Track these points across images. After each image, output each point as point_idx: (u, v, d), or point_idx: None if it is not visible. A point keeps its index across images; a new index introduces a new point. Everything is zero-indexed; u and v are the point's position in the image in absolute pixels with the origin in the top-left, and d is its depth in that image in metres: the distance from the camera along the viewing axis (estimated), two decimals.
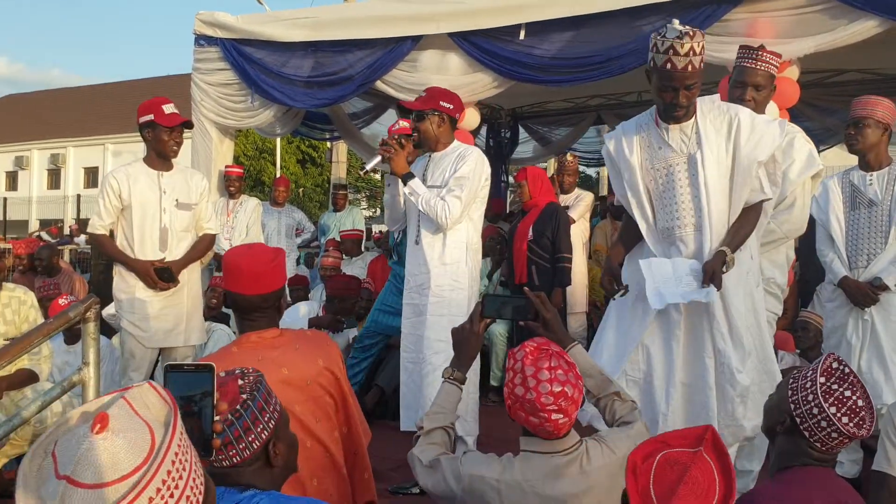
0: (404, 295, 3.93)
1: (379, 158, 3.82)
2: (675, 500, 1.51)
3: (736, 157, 2.85)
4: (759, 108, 3.35)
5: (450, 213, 3.69)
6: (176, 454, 1.11)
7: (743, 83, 3.39)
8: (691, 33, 2.66)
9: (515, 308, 2.39)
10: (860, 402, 2.01)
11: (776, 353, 4.76)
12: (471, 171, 3.74)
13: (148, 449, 1.08)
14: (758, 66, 3.36)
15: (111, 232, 4.19)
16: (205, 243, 4.27)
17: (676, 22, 2.70)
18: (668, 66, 2.68)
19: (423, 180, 3.83)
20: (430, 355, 3.71)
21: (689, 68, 2.68)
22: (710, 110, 2.89)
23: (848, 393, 2.01)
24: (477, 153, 3.84)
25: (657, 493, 1.54)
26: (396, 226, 4.11)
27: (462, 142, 5.93)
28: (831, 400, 2.00)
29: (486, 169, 3.87)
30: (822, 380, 2.05)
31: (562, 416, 1.93)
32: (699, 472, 1.52)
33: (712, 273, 2.77)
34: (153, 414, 1.14)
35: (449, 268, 3.76)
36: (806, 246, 4.77)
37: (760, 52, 3.35)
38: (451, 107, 3.85)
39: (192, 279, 4.23)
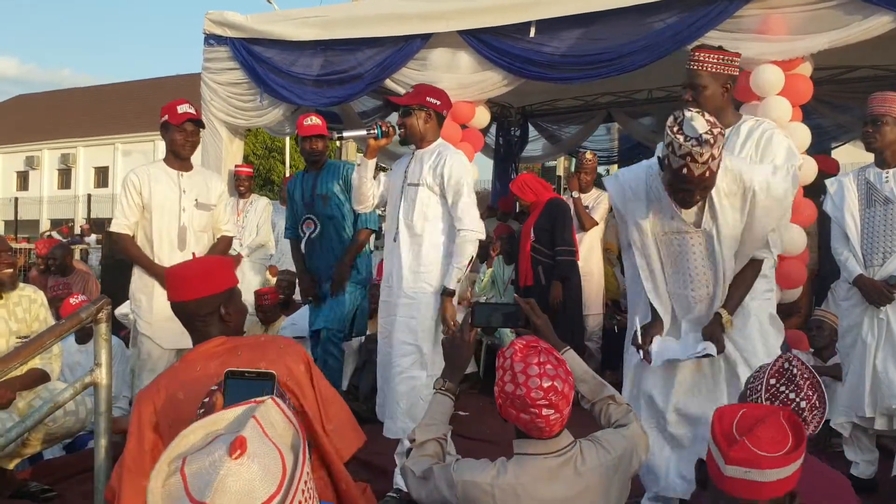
0: (381, 291, 3.88)
1: (363, 133, 3.72)
2: (756, 431, 1.58)
3: (749, 226, 2.78)
4: (706, 107, 3.21)
5: (475, 228, 3.67)
6: (305, 482, 1.10)
7: (683, 85, 3.32)
8: (712, 139, 2.44)
9: (505, 315, 2.38)
10: (802, 405, 2.07)
11: (790, 353, 4.74)
12: (461, 175, 3.68)
13: (280, 476, 1.06)
14: (693, 67, 3.23)
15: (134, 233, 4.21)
16: (222, 245, 4.31)
17: (698, 119, 2.47)
18: (685, 171, 2.52)
19: (405, 176, 3.78)
20: (397, 357, 3.66)
21: (707, 174, 2.52)
22: (723, 178, 2.74)
23: (792, 395, 2.08)
24: (458, 156, 3.75)
25: (738, 430, 1.61)
26: (361, 207, 4.00)
27: (471, 141, 5.99)
28: (777, 403, 2.08)
29: (469, 168, 3.84)
30: (773, 381, 2.13)
31: (552, 411, 1.92)
32: (776, 421, 1.61)
33: (712, 337, 2.82)
34: (279, 434, 1.12)
35: (423, 271, 3.69)
36: (824, 243, 4.74)
37: (695, 53, 3.23)
38: (439, 103, 3.80)
39: None
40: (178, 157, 4.15)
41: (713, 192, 2.72)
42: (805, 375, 2.14)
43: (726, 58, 3.20)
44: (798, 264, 4.96)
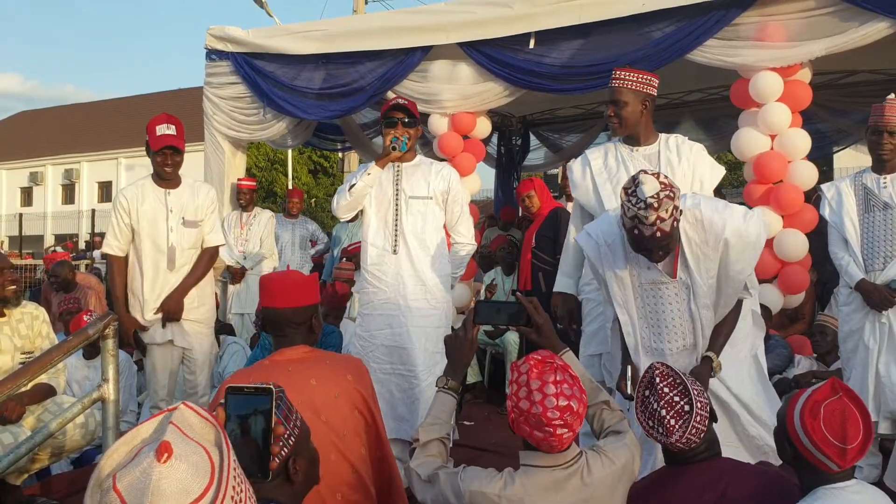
0: (374, 305, 3.80)
1: (390, 148, 3.74)
2: (849, 433, 1.92)
3: (723, 275, 2.76)
4: (626, 123, 3.38)
5: (472, 240, 3.98)
6: (235, 469, 1.16)
7: (608, 102, 3.43)
8: (656, 203, 2.45)
9: (508, 314, 2.40)
10: (663, 413, 2.18)
11: (794, 358, 4.75)
12: (463, 189, 3.91)
13: (210, 470, 1.12)
14: (615, 84, 3.37)
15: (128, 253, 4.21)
16: (204, 259, 4.24)
17: (649, 182, 2.48)
18: (636, 231, 2.55)
19: (396, 189, 3.78)
20: (431, 367, 3.68)
21: (659, 234, 2.52)
22: (693, 227, 2.73)
23: (655, 405, 2.20)
24: (454, 170, 3.94)
25: (837, 438, 1.92)
26: (350, 215, 3.94)
27: (473, 151, 6.03)
28: (647, 412, 2.23)
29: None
30: (646, 393, 2.26)
31: (566, 430, 1.93)
32: (849, 413, 1.93)
33: (699, 380, 2.76)
34: (199, 434, 1.18)
35: (441, 281, 3.80)
36: (820, 249, 4.75)
37: (617, 72, 3.38)
38: None
39: (204, 294, 4.27)
40: (162, 178, 4.14)
41: (684, 242, 2.71)
42: (669, 382, 2.21)
43: (645, 77, 3.38)
44: (800, 270, 4.97)
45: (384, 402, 3.72)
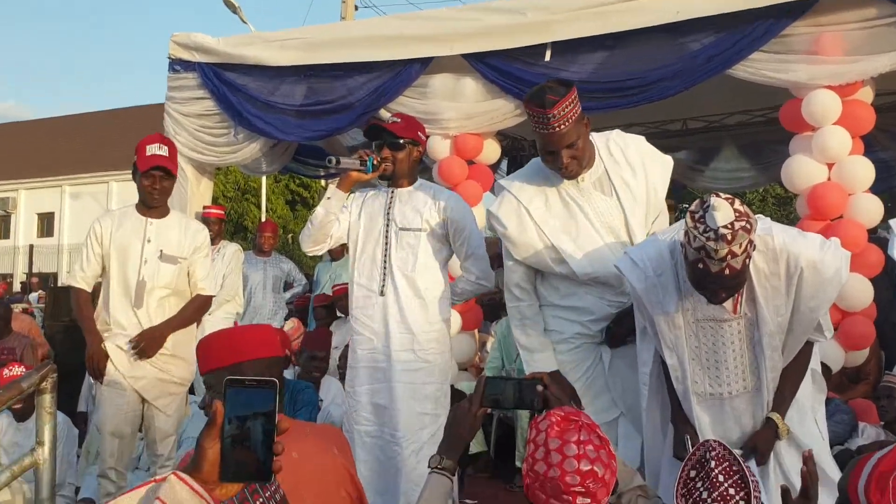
0: (358, 356, 3.80)
1: (357, 162, 3.66)
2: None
3: (796, 309, 2.72)
4: (584, 158, 3.21)
5: (486, 281, 3.89)
6: None
7: (552, 152, 3.16)
8: (730, 235, 2.38)
9: (518, 393, 2.28)
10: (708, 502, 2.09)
11: (857, 426, 4.70)
12: (472, 220, 3.83)
13: None
14: (561, 128, 3.08)
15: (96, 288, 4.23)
16: (195, 305, 4.29)
17: (722, 209, 2.42)
18: (701, 265, 2.48)
19: (387, 219, 3.77)
20: (415, 431, 3.64)
21: (728, 271, 2.45)
22: (763, 256, 2.67)
23: (705, 494, 2.11)
24: (458, 197, 3.91)
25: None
26: (316, 248, 3.89)
27: (479, 179, 6.03)
28: (692, 501, 2.13)
29: (471, 210, 3.98)
30: (692, 473, 2.17)
31: (589, 500, 1.91)
32: None
33: (754, 448, 2.76)
34: None
35: (434, 329, 3.74)
36: (887, 297, 4.73)
37: (548, 111, 3.04)
38: (426, 139, 3.92)
39: (179, 346, 4.22)
40: (146, 205, 4.19)
41: (753, 273, 2.65)
42: (725, 469, 2.13)
43: (572, 96, 3.09)
44: (864, 321, 4.94)
45: (370, 470, 3.69)
